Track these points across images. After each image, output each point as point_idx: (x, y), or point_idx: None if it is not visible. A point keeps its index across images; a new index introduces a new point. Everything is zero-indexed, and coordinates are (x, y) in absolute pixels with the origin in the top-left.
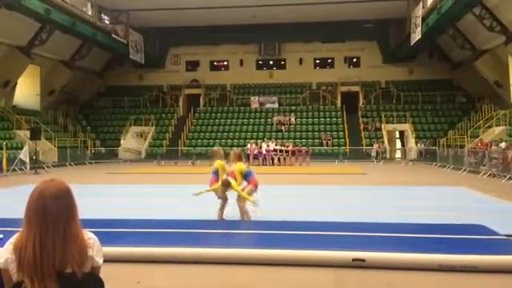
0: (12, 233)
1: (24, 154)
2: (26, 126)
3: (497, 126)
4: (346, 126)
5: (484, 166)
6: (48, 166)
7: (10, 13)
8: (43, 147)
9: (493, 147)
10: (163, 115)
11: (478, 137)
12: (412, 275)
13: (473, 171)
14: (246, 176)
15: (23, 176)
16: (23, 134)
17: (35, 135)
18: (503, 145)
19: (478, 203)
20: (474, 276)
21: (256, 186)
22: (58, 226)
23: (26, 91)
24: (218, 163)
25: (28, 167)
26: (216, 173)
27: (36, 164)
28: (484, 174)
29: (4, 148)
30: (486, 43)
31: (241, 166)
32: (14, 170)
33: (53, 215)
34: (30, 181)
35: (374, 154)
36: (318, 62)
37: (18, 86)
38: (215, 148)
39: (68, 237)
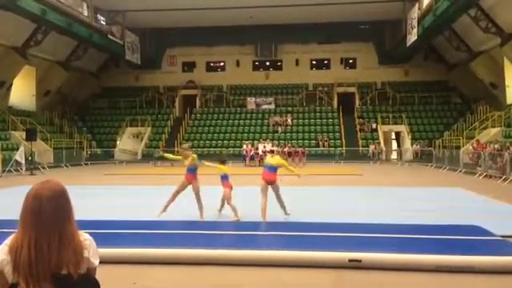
0: (8, 234)
1: (20, 155)
2: (21, 126)
3: (492, 127)
4: (342, 126)
5: (480, 166)
6: (44, 167)
7: (6, 13)
8: (39, 148)
9: (488, 148)
10: (159, 116)
11: (473, 138)
12: (408, 276)
13: (469, 172)
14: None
15: (19, 177)
16: (19, 134)
17: (31, 136)
18: (498, 146)
19: (474, 204)
20: (471, 277)
21: (231, 188)
22: (53, 227)
23: (22, 92)
24: (193, 158)
25: (24, 168)
26: (193, 169)
27: (32, 165)
28: (480, 174)
29: None
30: (482, 45)
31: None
32: (10, 171)
33: (48, 216)
34: (26, 182)
35: (372, 155)
36: (314, 63)
37: (13, 86)
38: (185, 145)
39: (64, 238)
